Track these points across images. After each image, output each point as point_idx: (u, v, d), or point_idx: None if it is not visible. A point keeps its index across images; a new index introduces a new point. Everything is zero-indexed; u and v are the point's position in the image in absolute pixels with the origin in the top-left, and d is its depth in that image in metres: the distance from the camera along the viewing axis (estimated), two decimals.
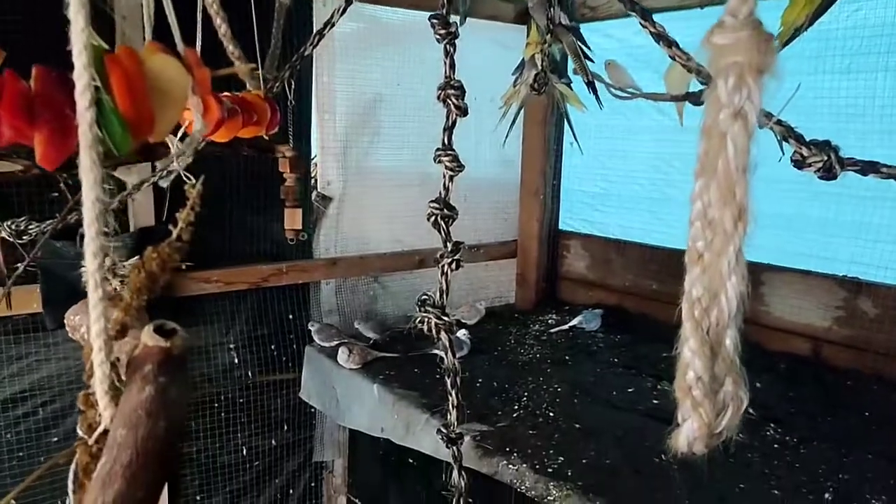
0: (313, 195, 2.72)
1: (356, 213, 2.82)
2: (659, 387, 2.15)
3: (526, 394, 2.09)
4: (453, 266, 1.13)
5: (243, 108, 1.20)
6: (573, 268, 3.17)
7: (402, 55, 2.84)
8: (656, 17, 1.16)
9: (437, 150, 1.16)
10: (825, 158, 0.94)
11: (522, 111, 2.27)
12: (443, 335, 1.08)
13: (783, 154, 1.01)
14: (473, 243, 3.13)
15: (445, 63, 1.15)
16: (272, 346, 2.61)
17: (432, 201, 1.17)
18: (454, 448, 1.07)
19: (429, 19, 1.15)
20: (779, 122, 0.99)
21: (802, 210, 2.40)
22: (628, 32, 2.88)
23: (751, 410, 1.40)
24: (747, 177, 0.65)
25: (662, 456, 1.68)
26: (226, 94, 1.20)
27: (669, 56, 1.12)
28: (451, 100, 1.13)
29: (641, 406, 2.03)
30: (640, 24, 1.15)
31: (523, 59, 2.15)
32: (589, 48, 1.98)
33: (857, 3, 2.12)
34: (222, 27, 1.22)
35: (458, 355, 2.44)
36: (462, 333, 2.43)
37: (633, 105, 2.24)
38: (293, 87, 1.45)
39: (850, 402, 2.06)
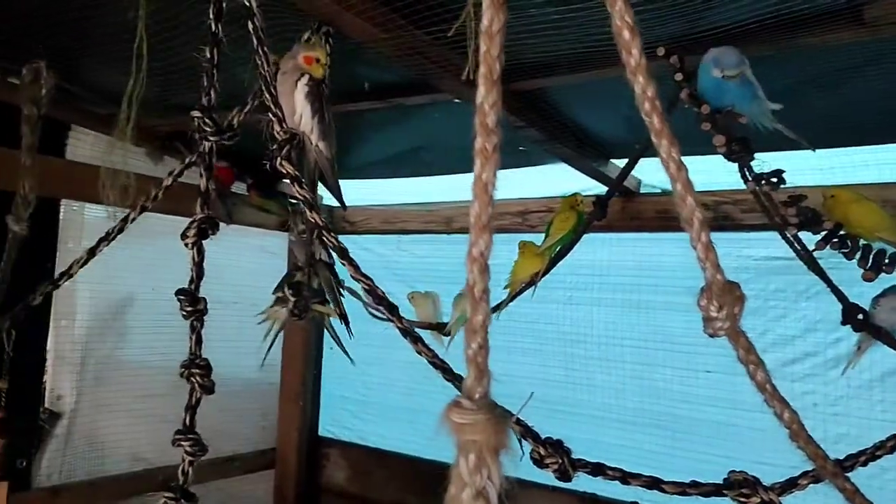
0: (41, 411, 2.40)
1: (90, 428, 2.52)
2: None
3: None
4: None
5: None
6: (334, 479, 3.07)
7: (159, 251, 2.72)
8: None
9: (177, 432, 1.11)
10: (560, 461, 1.01)
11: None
12: None
13: (523, 453, 1.09)
14: (228, 454, 2.93)
15: (191, 338, 1.13)
16: None
17: (168, 489, 1.10)
18: None
19: (175, 295, 1.14)
20: (518, 422, 1.07)
21: None
22: (385, 248, 3.09)
23: None
24: None
25: None
26: None
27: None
28: (195, 378, 1.10)
29: None
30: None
31: (283, 280, 2.18)
32: (343, 286, 2.07)
33: None
34: None
35: None
36: None
37: None
38: (13, 337, 1.29)
39: None
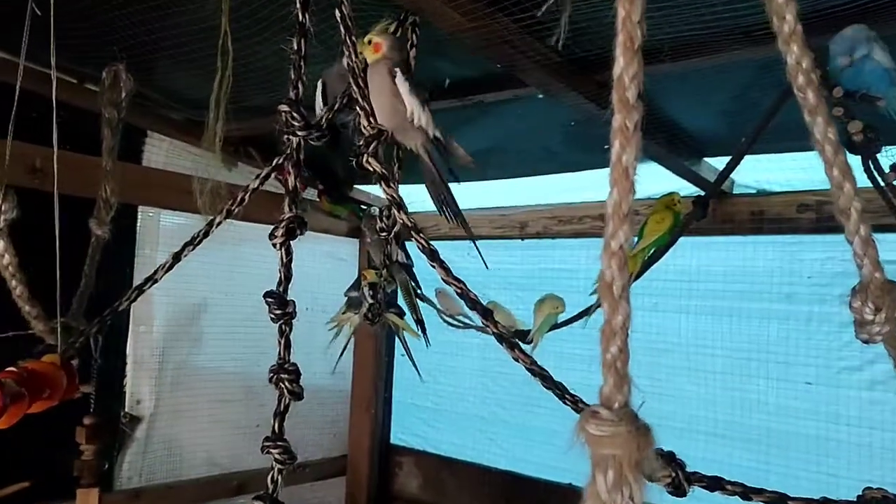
0: (121, 415, 2.43)
1: (168, 433, 2.54)
2: None
3: None
4: None
5: (32, 385, 1.02)
6: (406, 487, 3.02)
7: (230, 257, 2.73)
8: None
9: (266, 439, 1.06)
10: (674, 475, 0.89)
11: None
12: None
13: None
14: (300, 461, 2.89)
15: (280, 343, 1.08)
16: None
17: (256, 497, 1.05)
18: None
19: (264, 297, 1.09)
20: None
21: None
22: (455, 254, 3.01)
23: None
24: None
25: None
26: (10, 369, 1.02)
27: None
28: (284, 384, 1.05)
29: None
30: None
31: (357, 280, 2.13)
32: (420, 287, 2.02)
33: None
34: (18, 289, 1.08)
35: None
36: None
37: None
38: (100, 343, 1.27)
39: None
